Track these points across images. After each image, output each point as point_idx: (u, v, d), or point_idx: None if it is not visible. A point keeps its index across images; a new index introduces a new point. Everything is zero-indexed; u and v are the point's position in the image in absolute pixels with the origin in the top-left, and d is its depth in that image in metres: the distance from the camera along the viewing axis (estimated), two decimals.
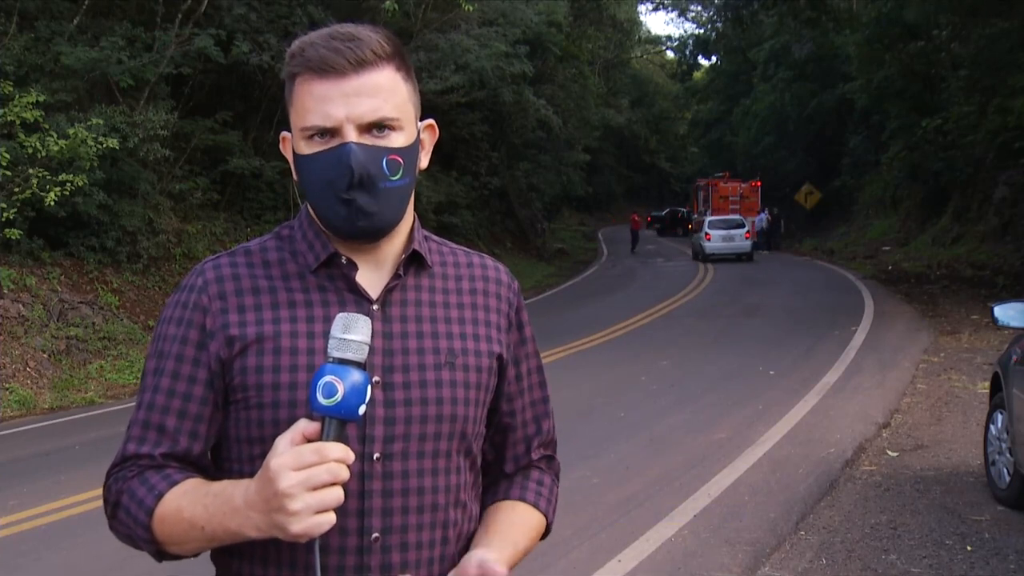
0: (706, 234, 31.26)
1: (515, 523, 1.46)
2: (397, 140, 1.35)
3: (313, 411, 1.21)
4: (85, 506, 6.16)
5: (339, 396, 1.19)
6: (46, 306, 12.46)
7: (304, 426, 1.21)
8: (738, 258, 30.40)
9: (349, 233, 1.35)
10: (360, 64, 1.31)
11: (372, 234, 1.36)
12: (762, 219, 37.72)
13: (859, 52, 29.66)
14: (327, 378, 1.20)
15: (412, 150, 1.38)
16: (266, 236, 1.47)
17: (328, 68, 1.31)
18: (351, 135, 1.31)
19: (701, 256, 31.39)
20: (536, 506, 1.51)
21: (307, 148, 1.34)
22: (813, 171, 41.10)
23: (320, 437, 1.21)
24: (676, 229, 51.12)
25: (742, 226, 31.50)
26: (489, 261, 1.54)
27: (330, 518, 1.20)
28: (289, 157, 1.41)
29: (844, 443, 7.29)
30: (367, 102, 1.31)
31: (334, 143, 1.32)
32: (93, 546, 5.34)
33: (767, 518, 5.59)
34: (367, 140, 1.32)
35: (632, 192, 68.74)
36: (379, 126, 1.33)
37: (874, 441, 7.52)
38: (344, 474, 1.20)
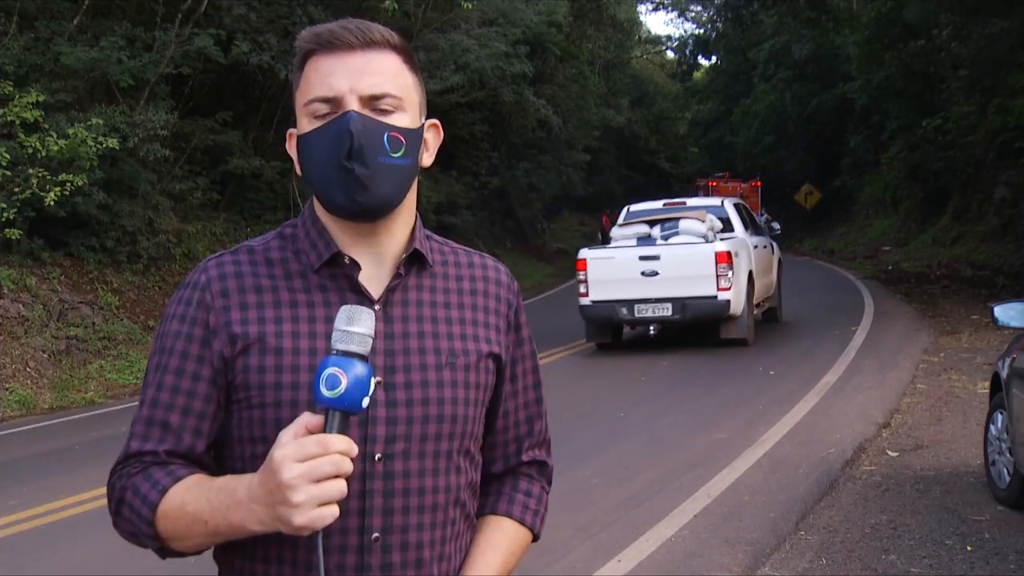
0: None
1: (500, 545, 1.48)
2: (400, 120, 1.36)
3: (316, 403, 1.21)
4: (85, 506, 6.16)
5: (343, 388, 1.19)
6: (46, 306, 12.47)
7: (307, 419, 1.21)
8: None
9: (348, 209, 1.35)
10: (367, 43, 1.35)
11: (371, 211, 1.36)
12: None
13: (859, 52, 29.64)
14: (330, 370, 1.20)
15: (415, 134, 1.39)
16: (269, 234, 1.47)
17: (336, 41, 1.34)
18: (353, 104, 1.33)
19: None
20: (523, 522, 1.52)
21: (309, 125, 1.36)
22: (813, 171, 41.09)
23: (323, 430, 1.20)
24: None
25: None
26: (489, 261, 1.54)
27: (333, 511, 1.19)
28: (293, 154, 1.42)
29: (844, 443, 7.29)
30: (371, 77, 1.34)
31: (336, 114, 1.33)
32: (93, 546, 5.33)
33: (767, 518, 5.58)
34: (369, 113, 1.34)
35: (632, 192, 68.52)
36: (382, 103, 1.34)
37: (874, 441, 7.51)
38: (347, 466, 1.19)
